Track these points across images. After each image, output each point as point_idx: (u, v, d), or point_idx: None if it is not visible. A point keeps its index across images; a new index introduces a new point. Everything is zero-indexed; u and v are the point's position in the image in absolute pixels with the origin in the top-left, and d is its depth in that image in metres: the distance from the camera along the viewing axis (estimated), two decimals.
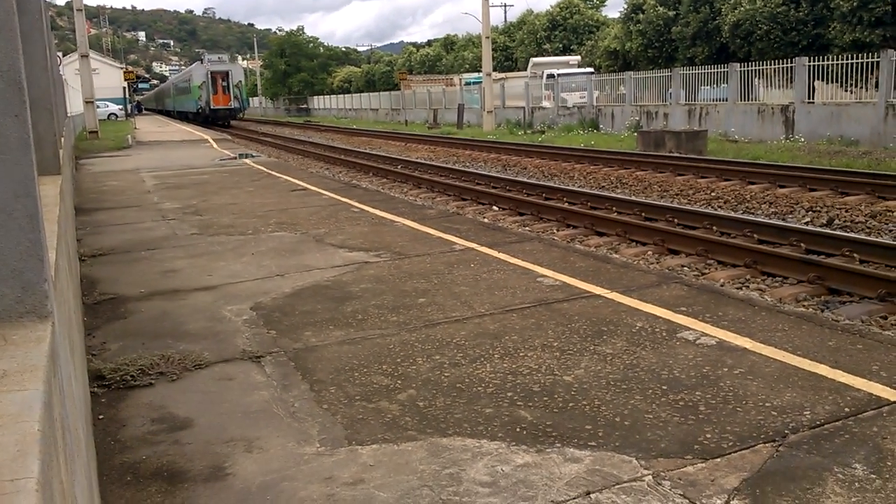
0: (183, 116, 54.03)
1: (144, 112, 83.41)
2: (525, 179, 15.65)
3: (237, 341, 4.66)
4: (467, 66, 56.92)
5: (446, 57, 63.36)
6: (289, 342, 4.61)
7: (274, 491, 2.88)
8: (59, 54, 31.79)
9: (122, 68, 67.12)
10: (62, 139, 8.25)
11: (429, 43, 79.27)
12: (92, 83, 29.18)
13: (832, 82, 21.29)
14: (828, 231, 9.02)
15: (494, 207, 12.20)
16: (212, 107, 46.83)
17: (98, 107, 33.30)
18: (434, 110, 42.51)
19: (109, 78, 62.80)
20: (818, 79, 21.41)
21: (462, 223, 8.72)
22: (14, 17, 1.78)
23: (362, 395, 3.76)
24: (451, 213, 10.08)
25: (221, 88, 46.82)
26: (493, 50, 37.71)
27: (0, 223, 1.76)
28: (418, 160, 21.26)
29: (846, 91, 21.04)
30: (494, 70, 37.97)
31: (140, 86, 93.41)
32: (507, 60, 51.15)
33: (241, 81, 49.18)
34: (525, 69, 41.24)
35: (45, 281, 1.81)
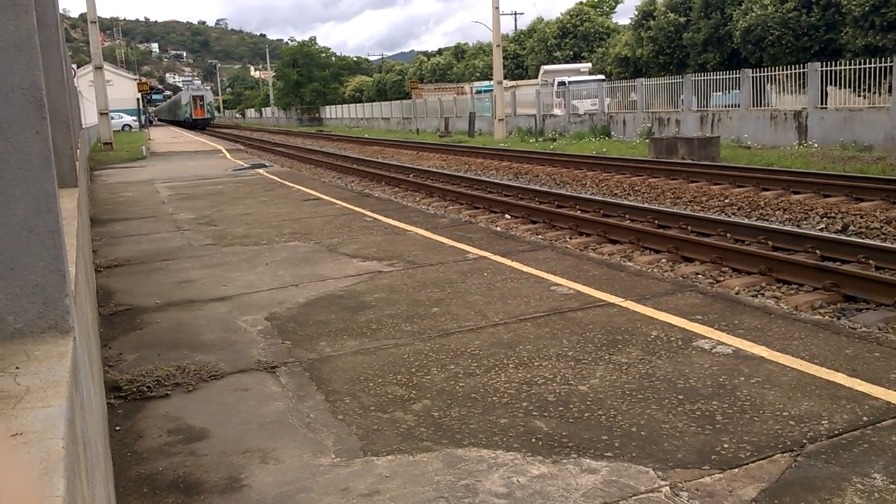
0: (178, 124, 73.35)
1: (157, 123, 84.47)
2: (537, 187, 15.64)
3: (252, 352, 4.68)
4: (478, 74, 57.02)
5: (457, 65, 63.50)
6: (304, 352, 4.62)
7: (290, 502, 2.89)
8: (74, 66, 32.10)
9: (135, 79, 68.06)
10: (78, 151, 8.32)
11: (439, 52, 79.33)
12: (106, 95, 29.44)
13: (845, 87, 21.18)
14: (843, 237, 8.96)
15: (507, 216, 12.20)
16: (193, 117, 68.34)
17: (112, 118, 33.53)
18: (445, 119, 42.58)
19: (123, 89, 63.61)
20: (831, 84, 21.29)
21: (475, 232, 8.72)
22: (35, 37, 1.80)
23: (377, 405, 3.77)
24: (464, 222, 10.09)
25: (199, 106, 69.83)
26: (503, 58, 37.76)
27: (22, 239, 1.78)
28: (430, 169, 21.29)
29: (859, 96, 20.91)
30: (505, 78, 38.00)
31: (153, 97, 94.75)
32: (518, 68, 51.15)
33: (211, 101, 74.82)
34: (536, 77, 41.24)
35: (66, 296, 1.82)
